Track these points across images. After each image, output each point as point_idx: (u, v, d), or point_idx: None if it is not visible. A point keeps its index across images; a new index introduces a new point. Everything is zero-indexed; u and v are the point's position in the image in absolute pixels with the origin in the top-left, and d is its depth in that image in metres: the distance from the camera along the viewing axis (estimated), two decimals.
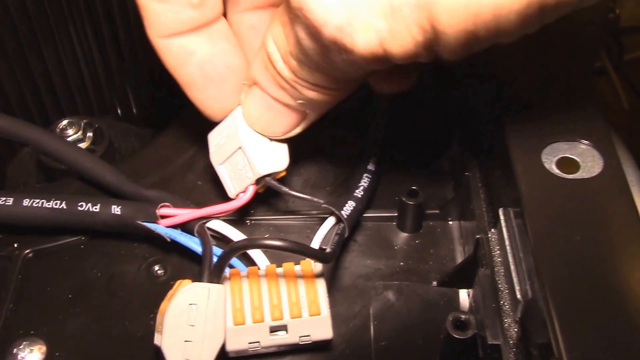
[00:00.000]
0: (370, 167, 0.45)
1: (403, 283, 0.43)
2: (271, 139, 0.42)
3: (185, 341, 0.36)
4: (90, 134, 0.60)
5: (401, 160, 0.48)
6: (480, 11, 0.29)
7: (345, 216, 0.41)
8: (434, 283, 0.43)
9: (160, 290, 0.41)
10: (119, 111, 0.71)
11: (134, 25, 0.64)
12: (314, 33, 0.32)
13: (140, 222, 0.43)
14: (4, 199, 0.45)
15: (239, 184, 0.43)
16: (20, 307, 0.43)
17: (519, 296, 0.34)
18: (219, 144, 0.44)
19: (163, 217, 0.43)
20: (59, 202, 0.44)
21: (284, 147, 0.43)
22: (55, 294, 0.43)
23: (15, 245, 0.45)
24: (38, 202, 0.44)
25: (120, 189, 0.46)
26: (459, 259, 0.44)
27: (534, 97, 0.40)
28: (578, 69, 0.42)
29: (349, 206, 0.42)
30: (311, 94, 0.38)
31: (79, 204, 0.44)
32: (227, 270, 0.40)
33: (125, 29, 0.65)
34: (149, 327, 0.41)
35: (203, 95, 0.43)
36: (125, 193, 0.46)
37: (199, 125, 0.47)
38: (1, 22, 0.61)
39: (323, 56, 0.34)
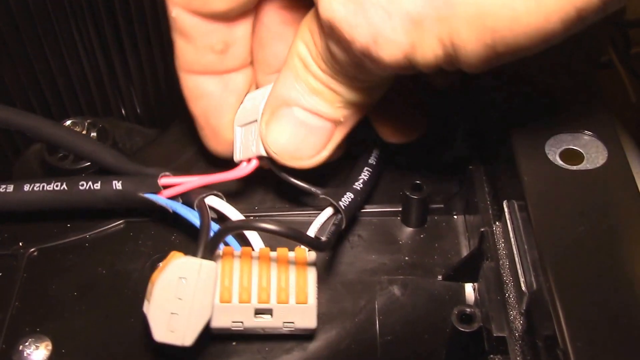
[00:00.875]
0: (372, 161, 0.45)
1: (408, 277, 0.43)
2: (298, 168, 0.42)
3: (172, 313, 0.36)
4: (94, 134, 0.60)
5: (405, 154, 0.48)
6: (497, 27, 0.29)
7: (343, 207, 0.41)
8: (439, 277, 0.43)
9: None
10: (122, 111, 0.72)
11: (136, 24, 0.64)
12: (345, 46, 0.34)
13: (142, 195, 0.43)
14: (4, 186, 0.45)
15: (244, 152, 0.44)
16: (26, 305, 0.43)
17: (523, 288, 0.34)
18: (246, 107, 0.44)
19: (165, 187, 0.43)
20: (59, 183, 0.45)
21: None
22: (61, 292, 0.43)
23: (20, 243, 0.46)
24: (39, 186, 0.45)
25: (122, 169, 0.46)
26: (464, 253, 0.44)
27: (537, 89, 0.40)
28: (582, 61, 0.42)
29: (347, 197, 0.42)
30: (349, 95, 0.38)
31: (80, 183, 0.44)
32: (222, 248, 0.40)
33: (128, 28, 0.65)
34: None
35: (201, 133, 0.46)
36: (127, 172, 0.46)
37: None
38: (4, 22, 0.61)
39: (354, 64, 0.35)
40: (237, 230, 0.41)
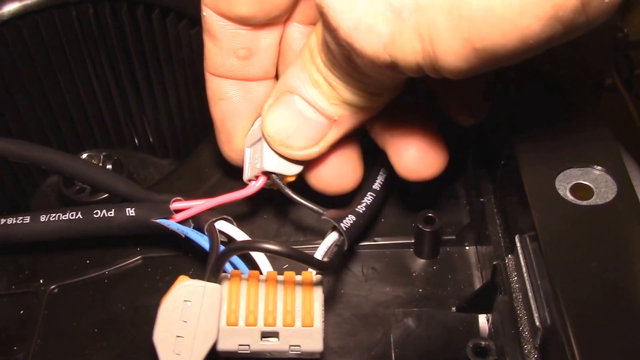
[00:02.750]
0: (376, 186, 0.45)
1: (422, 309, 0.43)
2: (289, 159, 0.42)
3: (177, 336, 0.37)
4: (109, 166, 0.62)
5: (415, 184, 0.49)
6: (473, 17, 0.28)
7: (344, 229, 0.42)
8: (453, 309, 0.44)
9: None
10: (136, 141, 0.73)
11: (149, 56, 0.65)
12: (332, 35, 0.33)
13: (154, 220, 0.44)
14: (21, 218, 0.46)
15: (252, 171, 0.44)
16: (48, 342, 0.43)
17: (537, 323, 0.34)
18: (254, 129, 0.45)
19: (177, 211, 0.44)
20: (74, 213, 0.45)
21: None
22: (81, 328, 0.44)
23: (41, 281, 0.46)
24: (55, 216, 0.45)
25: (134, 198, 0.47)
26: (477, 284, 0.45)
27: (544, 121, 0.40)
28: (588, 90, 0.42)
29: (349, 219, 0.42)
30: (345, 94, 0.38)
31: (94, 212, 0.45)
32: (229, 270, 0.40)
33: (141, 60, 0.66)
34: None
35: (218, 136, 0.47)
36: (139, 200, 0.47)
37: (218, 156, 0.48)
38: (19, 57, 0.63)
39: (344, 57, 0.35)
40: (240, 252, 0.41)
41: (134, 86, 0.69)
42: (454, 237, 0.47)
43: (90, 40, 0.65)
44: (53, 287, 0.46)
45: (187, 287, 0.38)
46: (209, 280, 0.38)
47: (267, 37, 0.43)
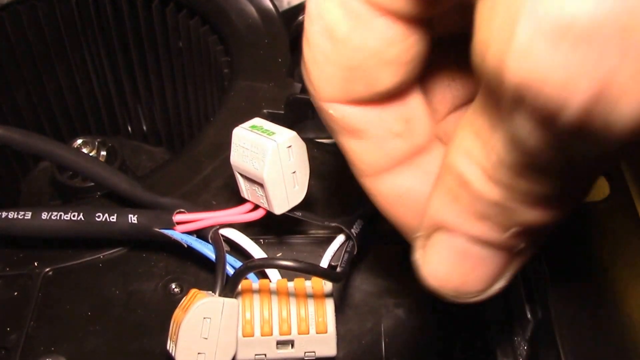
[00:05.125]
0: None
1: (414, 300, 0.44)
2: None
3: (199, 353, 0.38)
4: (104, 153, 0.62)
5: None
6: None
7: (355, 234, 0.42)
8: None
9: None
10: (129, 129, 0.73)
11: (147, 46, 0.66)
12: (548, 120, 0.22)
13: (157, 230, 0.44)
14: (22, 213, 0.46)
15: (252, 198, 0.43)
16: (42, 325, 0.44)
17: (529, 316, 0.35)
18: (244, 153, 0.41)
19: (179, 223, 0.44)
20: (76, 214, 0.45)
21: (304, 184, 0.42)
22: (75, 312, 0.44)
23: (36, 263, 0.46)
24: (56, 215, 0.46)
25: (135, 197, 0.47)
26: None
27: None
28: None
29: (359, 224, 0.43)
30: (532, 213, 0.26)
31: (97, 215, 0.45)
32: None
33: (138, 49, 0.66)
34: (166, 344, 0.42)
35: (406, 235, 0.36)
36: (141, 201, 0.47)
37: (214, 146, 0.48)
38: (16, 42, 0.63)
39: (559, 151, 0.23)
40: (257, 269, 0.42)
41: (130, 75, 0.69)
42: None
43: (89, 28, 0.65)
44: (48, 270, 0.46)
45: (206, 305, 0.38)
46: (225, 296, 0.39)
47: (415, 98, 0.34)
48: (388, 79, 0.31)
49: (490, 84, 0.23)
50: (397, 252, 0.47)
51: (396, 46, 0.29)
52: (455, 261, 0.29)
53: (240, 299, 0.40)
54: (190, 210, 0.45)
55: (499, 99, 0.23)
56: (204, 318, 0.38)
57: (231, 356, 0.38)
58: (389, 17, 0.28)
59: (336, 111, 0.32)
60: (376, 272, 0.46)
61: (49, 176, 0.65)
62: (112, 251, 0.47)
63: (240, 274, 0.39)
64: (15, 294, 0.45)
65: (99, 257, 0.47)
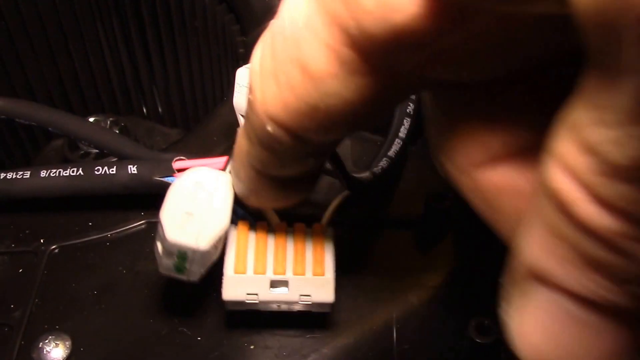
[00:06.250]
0: (402, 134, 0.45)
1: (426, 287, 0.43)
2: None
3: (187, 213, 0.36)
4: (116, 131, 0.61)
5: (425, 164, 0.48)
6: None
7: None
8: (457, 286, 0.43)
9: (184, 289, 0.41)
10: (144, 110, 0.72)
11: (162, 23, 0.65)
12: None
13: (157, 178, 0.44)
14: (21, 173, 0.45)
15: None
16: (46, 302, 0.43)
17: None
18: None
19: (179, 170, 0.43)
20: (75, 169, 0.45)
21: None
22: (81, 290, 0.44)
23: (42, 240, 0.46)
24: (55, 172, 0.45)
25: (139, 158, 0.46)
26: None
27: None
28: None
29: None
30: None
31: (96, 168, 0.45)
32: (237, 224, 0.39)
33: (154, 28, 0.65)
34: (173, 324, 0.41)
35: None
36: (143, 159, 0.46)
37: (228, 125, 0.47)
38: (30, 18, 0.62)
39: None
40: None
41: (145, 54, 0.68)
42: None
43: (103, 4, 0.64)
44: (54, 247, 0.46)
45: (199, 171, 0.37)
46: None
47: None
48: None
49: (603, 39, 0.16)
50: (410, 238, 0.46)
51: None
52: (553, 325, 0.21)
53: (233, 234, 0.38)
54: (191, 157, 0.44)
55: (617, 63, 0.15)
56: (196, 182, 0.36)
57: (222, 228, 0.36)
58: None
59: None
60: (388, 258, 0.45)
61: (60, 155, 0.64)
62: (119, 229, 0.46)
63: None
64: (20, 270, 0.45)
65: (107, 235, 0.46)
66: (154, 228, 0.46)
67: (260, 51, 0.26)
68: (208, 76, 0.65)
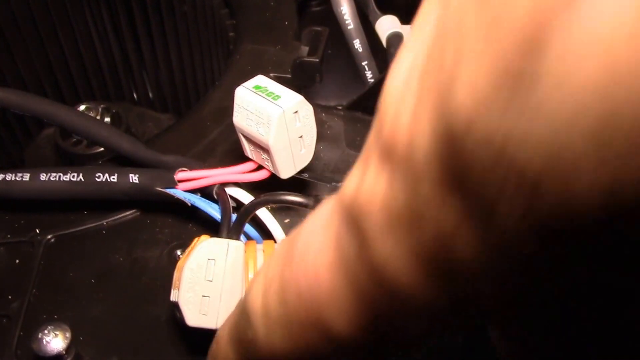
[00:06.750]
0: None
1: None
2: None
3: (203, 296, 0.36)
4: (107, 119, 0.61)
5: None
6: None
7: None
8: None
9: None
10: (135, 96, 0.72)
11: (150, 10, 0.64)
12: None
13: (159, 189, 0.43)
14: (21, 175, 0.45)
15: (256, 158, 0.42)
16: (44, 292, 0.43)
17: None
18: (248, 116, 0.39)
19: (181, 181, 0.43)
20: (76, 174, 0.44)
21: (311, 146, 0.41)
22: (78, 279, 0.43)
23: (37, 230, 0.46)
24: (55, 176, 0.44)
25: (138, 156, 0.46)
26: None
27: None
28: None
29: None
30: None
31: (97, 175, 0.44)
32: (244, 240, 0.40)
33: (142, 14, 0.65)
34: (173, 310, 0.41)
35: None
36: (143, 160, 0.46)
37: (220, 110, 0.47)
38: (18, 8, 0.61)
39: None
40: (263, 206, 0.40)
41: (135, 40, 0.67)
42: None
43: None
44: (50, 237, 0.45)
45: (210, 246, 0.36)
46: (229, 238, 0.37)
47: None
48: None
49: None
50: None
51: None
52: None
53: (243, 259, 0.38)
54: (193, 168, 0.44)
55: None
56: (208, 259, 0.36)
57: (237, 301, 0.37)
58: None
59: None
60: None
61: (52, 143, 0.64)
62: (115, 217, 0.46)
63: (245, 212, 0.38)
64: (17, 261, 0.44)
65: (103, 223, 0.46)
66: (149, 215, 0.46)
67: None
68: (198, 60, 0.65)
